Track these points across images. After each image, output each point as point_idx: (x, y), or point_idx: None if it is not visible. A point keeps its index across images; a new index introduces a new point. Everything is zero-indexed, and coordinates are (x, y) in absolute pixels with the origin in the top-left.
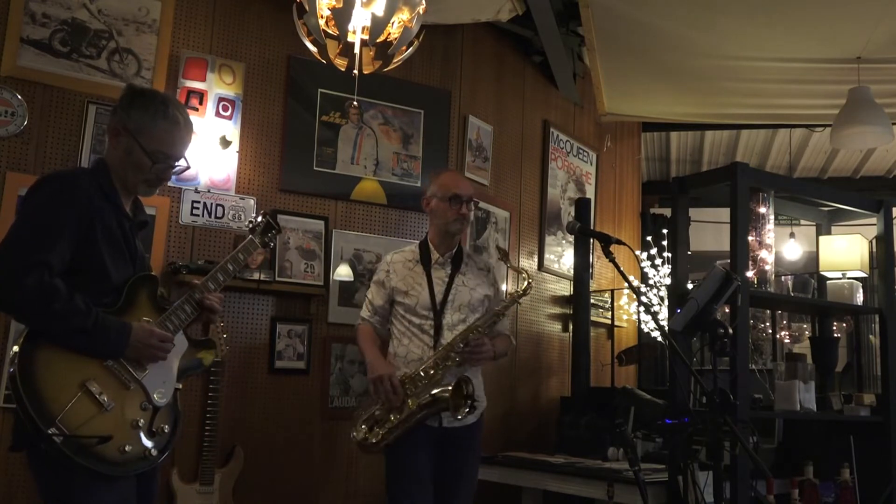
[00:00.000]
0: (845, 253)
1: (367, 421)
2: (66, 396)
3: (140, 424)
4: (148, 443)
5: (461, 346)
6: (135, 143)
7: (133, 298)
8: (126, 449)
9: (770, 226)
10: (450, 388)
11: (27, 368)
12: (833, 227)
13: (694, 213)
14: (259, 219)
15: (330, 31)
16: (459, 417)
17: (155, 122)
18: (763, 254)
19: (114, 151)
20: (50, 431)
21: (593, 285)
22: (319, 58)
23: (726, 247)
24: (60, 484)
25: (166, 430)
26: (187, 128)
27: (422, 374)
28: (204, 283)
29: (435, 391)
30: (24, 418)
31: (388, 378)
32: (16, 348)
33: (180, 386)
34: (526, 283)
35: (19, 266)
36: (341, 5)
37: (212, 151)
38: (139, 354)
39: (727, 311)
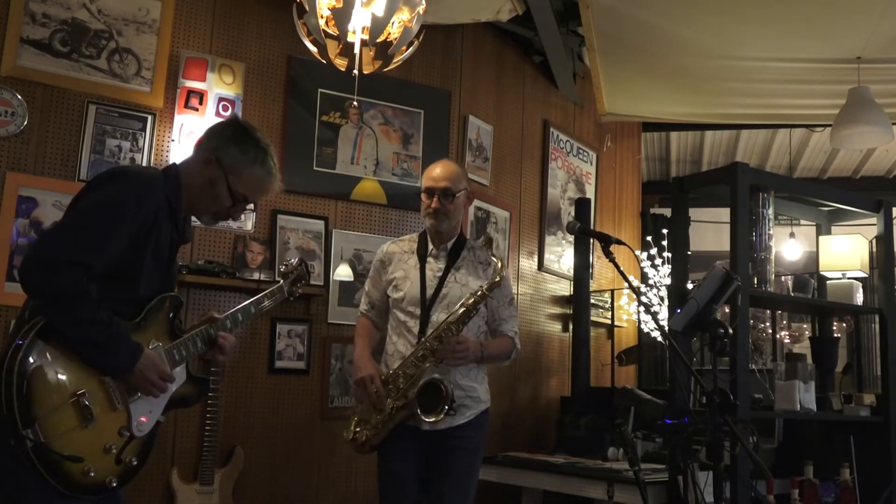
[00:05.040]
0: (845, 253)
1: (358, 421)
2: (54, 402)
3: (112, 450)
4: (112, 472)
5: (435, 343)
6: (223, 179)
7: (152, 317)
8: (90, 473)
9: (770, 226)
10: (415, 390)
11: (27, 362)
12: (833, 227)
13: (694, 213)
14: (294, 261)
15: (330, 31)
16: (432, 420)
17: (252, 168)
18: (763, 254)
19: (196, 176)
20: (24, 433)
21: (593, 285)
22: (319, 58)
23: (726, 247)
24: (12, 480)
25: (134, 464)
26: (277, 178)
27: (400, 373)
28: (222, 321)
29: (409, 393)
30: (6, 411)
31: (370, 379)
32: (24, 339)
33: (164, 419)
34: (498, 276)
35: (62, 259)
36: (341, 5)
37: None
38: (135, 382)
39: (727, 311)
